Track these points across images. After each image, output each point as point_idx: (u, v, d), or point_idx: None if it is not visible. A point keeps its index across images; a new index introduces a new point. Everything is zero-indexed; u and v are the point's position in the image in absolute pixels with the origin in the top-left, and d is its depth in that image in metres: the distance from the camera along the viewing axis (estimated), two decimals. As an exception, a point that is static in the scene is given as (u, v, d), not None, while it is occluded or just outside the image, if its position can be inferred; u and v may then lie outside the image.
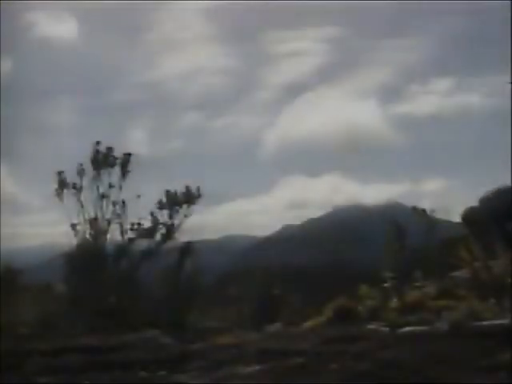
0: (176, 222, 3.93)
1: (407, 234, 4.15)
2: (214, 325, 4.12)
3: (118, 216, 3.85)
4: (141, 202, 3.90)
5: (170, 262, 3.87)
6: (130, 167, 3.94)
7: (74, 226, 3.83)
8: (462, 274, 3.04)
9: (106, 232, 3.83)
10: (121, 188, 3.90)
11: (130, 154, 3.98)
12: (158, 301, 3.80)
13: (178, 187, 4.01)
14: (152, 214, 3.92)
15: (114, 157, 3.94)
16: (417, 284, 2.99)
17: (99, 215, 3.84)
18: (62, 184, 3.93)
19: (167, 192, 3.98)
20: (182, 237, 3.94)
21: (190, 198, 3.97)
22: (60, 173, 3.97)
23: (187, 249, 3.91)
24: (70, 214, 3.85)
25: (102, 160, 3.91)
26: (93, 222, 3.82)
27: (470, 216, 5.32)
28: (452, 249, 3.18)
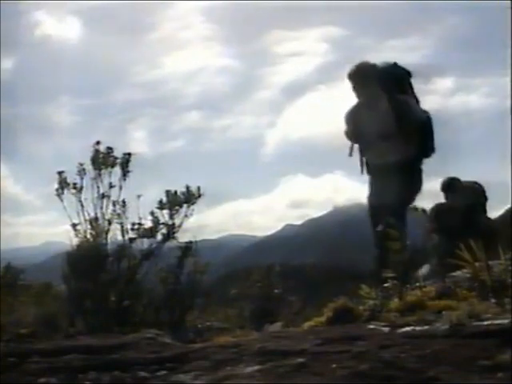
0: (176, 221, 3.93)
1: (407, 234, 4.15)
2: (214, 325, 4.13)
3: (119, 216, 3.85)
4: (141, 201, 3.90)
5: (170, 262, 3.87)
6: (131, 167, 3.95)
7: (74, 226, 3.83)
8: (462, 273, 3.05)
9: (106, 232, 3.83)
10: (121, 188, 3.90)
11: (130, 154, 3.97)
12: (158, 301, 3.80)
13: (179, 187, 4.01)
14: (152, 213, 3.92)
15: (114, 157, 3.93)
16: (417, 284, 2.99)
17: (99, 215, 3.84)
18: (63, 184, 3.93)
19: (167, 192, 3.97)
20: (182, 237, 3.95)
21: (190, 197, 3.97)
22: (60, 173, 3.97)
23: (188, 249, 3.91)
24: (71, 214, 3.86)
25: (103, 160, 3.91)
26: (93, 221, 3.82)
27: (359, 72, 4.82)
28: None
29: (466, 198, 6.65)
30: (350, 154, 5.00)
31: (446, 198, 6.86)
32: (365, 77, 4.83)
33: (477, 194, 6.76)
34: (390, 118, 4.69)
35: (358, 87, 4.86)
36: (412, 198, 4.78)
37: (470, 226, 6.17)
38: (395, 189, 4.66)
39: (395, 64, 4.92)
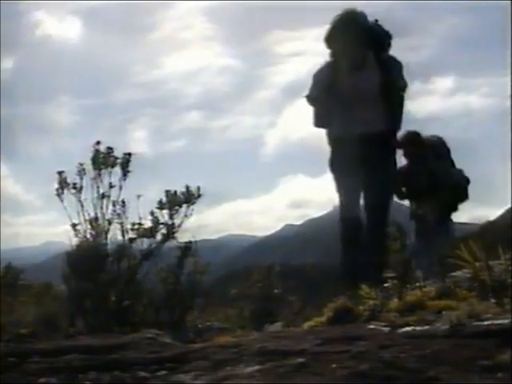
0: (176, 221, 3.93)
1: (407, 234, 4.14)
2: (214, 325, 4.13)
3: (119, 216, 3.85)
4: (141, 201, 3.90)
5: (170, 262, 3.88)
6: (131, 167, 3.94)
7: (74, 226, 3.83)
8: (462, 273, 3.05)
9: (106, 232, 3.83)
10: (121, 188, 3.90)
11: (130, 154, 3.97)
12: (158, 301, 3.80)
13: (178, 187, 4.01)
14: (152, 213, 3.92)
15: (114, 157, 3.93)
16: (417, 284, 2.99)
17: (99, 215, 3.84)
18: (63, 184, 3.92)
19: (167, 192, 3.97)
20: (182, 237, 3.95)
21: (190, 197, 3.97)
22: (60, 173, 3.97)
23: (187, 249, 3.91)
24: (71, 214, 3.86)
25: (103, 160, 3.91)
26: (93, 221, 3.82)
27: (347, 18, 4.15)
28: (452, 248, 3.18)
29: (430, 154, 6.45)
30: (318, 124, 4.24)
31: (405, 153, 6.54)
32: (352, 25, 4.08)
33: (439, 146, 6.56)
34: (377, 78, 4.12)
35: (340, 37, 4.11)
36: (395, 181, 4.38)
37: (438, 184, 6.03)
38: (380, 165, 4.15)
39: (377, 21, 4.29)
